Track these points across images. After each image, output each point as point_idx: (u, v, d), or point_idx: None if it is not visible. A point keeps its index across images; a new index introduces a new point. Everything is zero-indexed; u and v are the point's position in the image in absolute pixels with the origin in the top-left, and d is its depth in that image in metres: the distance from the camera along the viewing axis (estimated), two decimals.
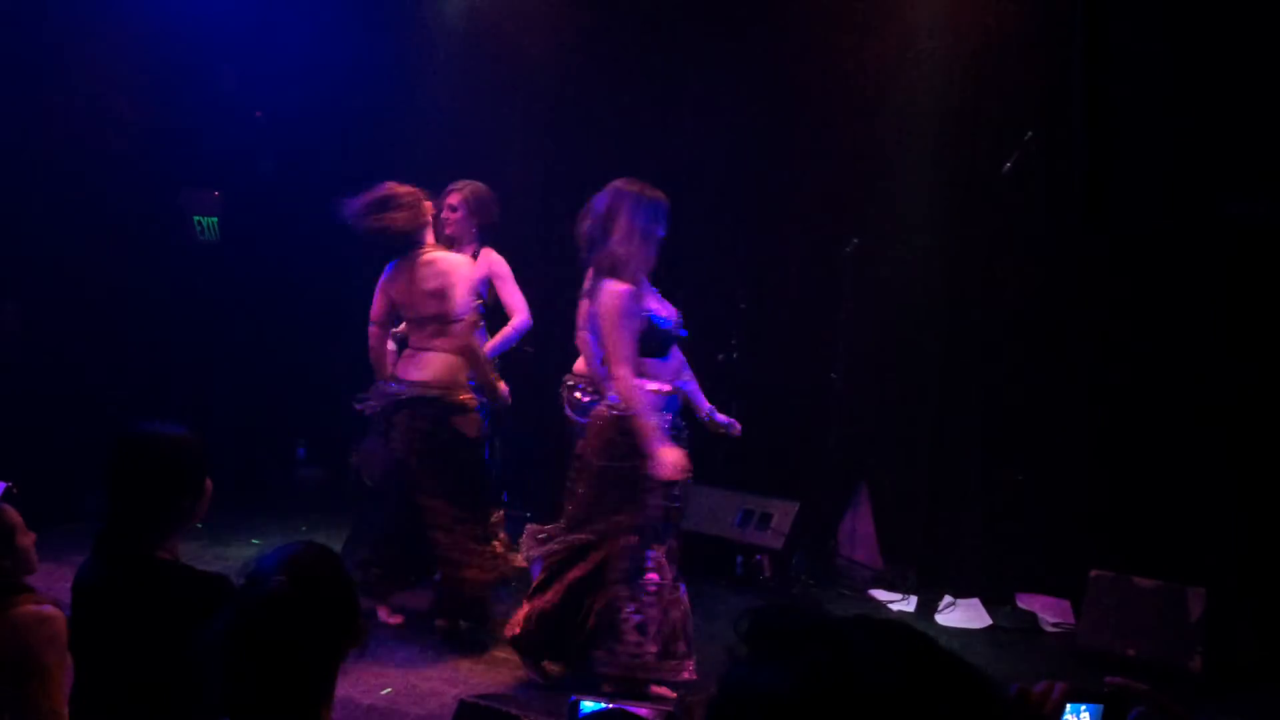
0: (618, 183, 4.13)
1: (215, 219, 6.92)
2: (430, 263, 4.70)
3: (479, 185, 5.19)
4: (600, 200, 4.10)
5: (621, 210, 4.03)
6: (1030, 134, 5.20)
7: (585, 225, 4.11)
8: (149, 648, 2.28)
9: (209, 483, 2.47)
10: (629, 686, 3.97)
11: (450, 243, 5.05)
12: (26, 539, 2.50)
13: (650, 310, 4.08)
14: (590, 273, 4.14)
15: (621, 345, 3.94)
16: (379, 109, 7.29)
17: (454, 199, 5.14)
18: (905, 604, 5.63)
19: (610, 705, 1.95)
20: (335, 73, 7.03)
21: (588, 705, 2.41)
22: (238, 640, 1.72)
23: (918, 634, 0.88)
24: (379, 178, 7.35)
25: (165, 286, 6.64)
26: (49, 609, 2.38)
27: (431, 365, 4.70)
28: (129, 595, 2.34)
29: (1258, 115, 4.84)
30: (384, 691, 4.15)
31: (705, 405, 4.47)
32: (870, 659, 0.84)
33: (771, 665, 0.85)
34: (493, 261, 5.15)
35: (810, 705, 0.82)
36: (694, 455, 6.54)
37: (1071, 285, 5.63)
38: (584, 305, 4.23)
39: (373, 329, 4.90)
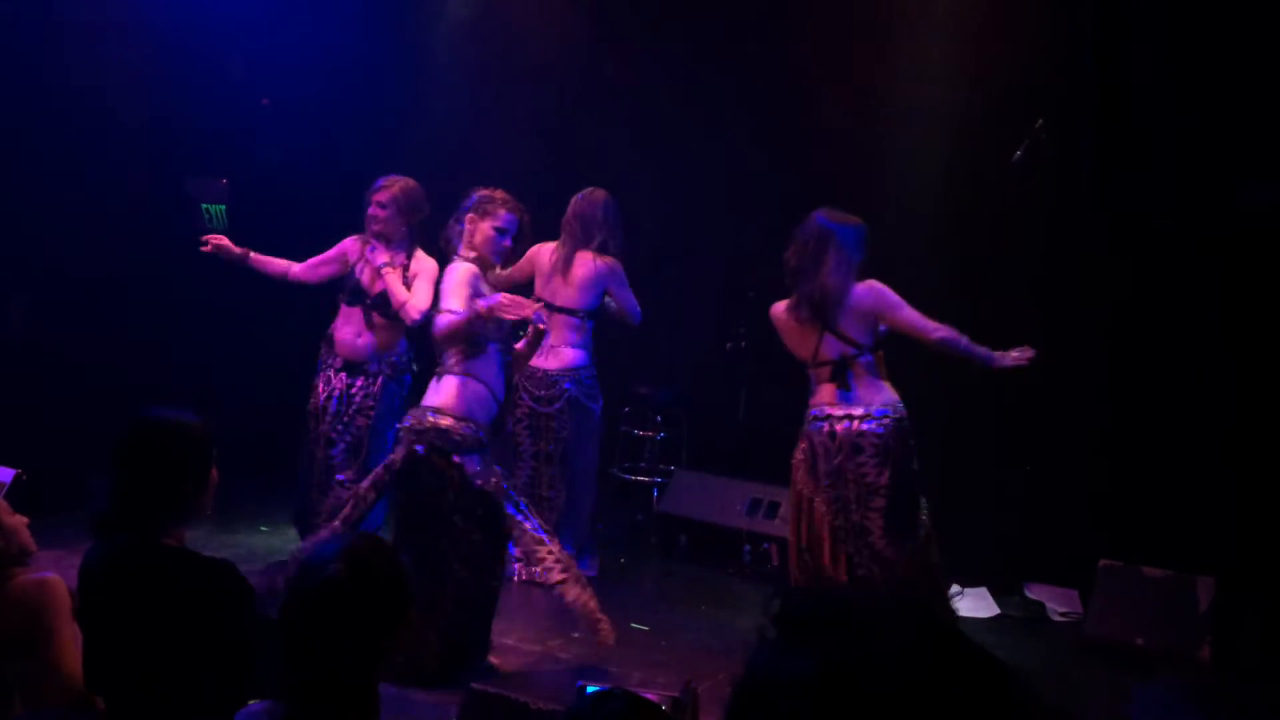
0: (821, 215, 4.33)
1: (223, 207, 6.90)
2: None
3: (409, 182, 5.07)
4: (808, 233, 4.29)
5: (830, 245, 4.24)
6: (1040, 121, 5.17)
7: (794, 258, 4.29)
8: (155, 633, 2.29)
9: (215, 472, 2.47)
10: None
11: (385, 241, 5.00)
12: (14, 519, 2.50)
13: None
14: (794, 300, 4.32)
15: None
16: (386, 98, 7.29)
17: (382, 196, 5.03)
18: None
19: (614, 688, 1.97)
20: (343, 61, 7.03)
21: (594, 688, 2.43)
22: (293, 625, 1.79)
23: (947, 625, 0.88)
24: (385, 167, 7.38)
25: (172, 273, 6.63)
26: (49, 575, 2.38)
27: None
28: (135, 581, 2.35)
29: (1272, 105, 4.82)
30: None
31: None
32: (896, 648, 0.84)
33: (798, 649, 0.85)
34: (421, 262, 4.99)
35: (833, 690, 0.82)
36: (701, 445, 6.55)
37: (1081, 274, 5.61)
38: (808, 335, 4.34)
39: None
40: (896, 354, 6.08)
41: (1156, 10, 5.16)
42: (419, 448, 4.00)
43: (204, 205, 6.87)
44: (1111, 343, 5.56)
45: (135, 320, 6.51)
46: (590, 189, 5.50)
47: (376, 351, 5.07)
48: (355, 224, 7.76)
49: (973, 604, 5.43)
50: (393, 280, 4.90)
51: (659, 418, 6.45)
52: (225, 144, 6.88)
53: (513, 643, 4.60)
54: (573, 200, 5.48)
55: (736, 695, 0.88)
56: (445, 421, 3.98)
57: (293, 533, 5.96)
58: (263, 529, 6.04)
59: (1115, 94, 5.08)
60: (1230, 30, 4.92)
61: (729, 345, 6.32)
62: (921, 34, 5.99)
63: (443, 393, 4.05)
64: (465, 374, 4.05)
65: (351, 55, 7.04)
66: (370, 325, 5.05)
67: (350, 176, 7.35)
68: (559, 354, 5.35)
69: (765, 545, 5.78)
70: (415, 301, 4.84)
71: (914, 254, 6.03)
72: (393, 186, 5.02)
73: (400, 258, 4.97)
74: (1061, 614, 5.39)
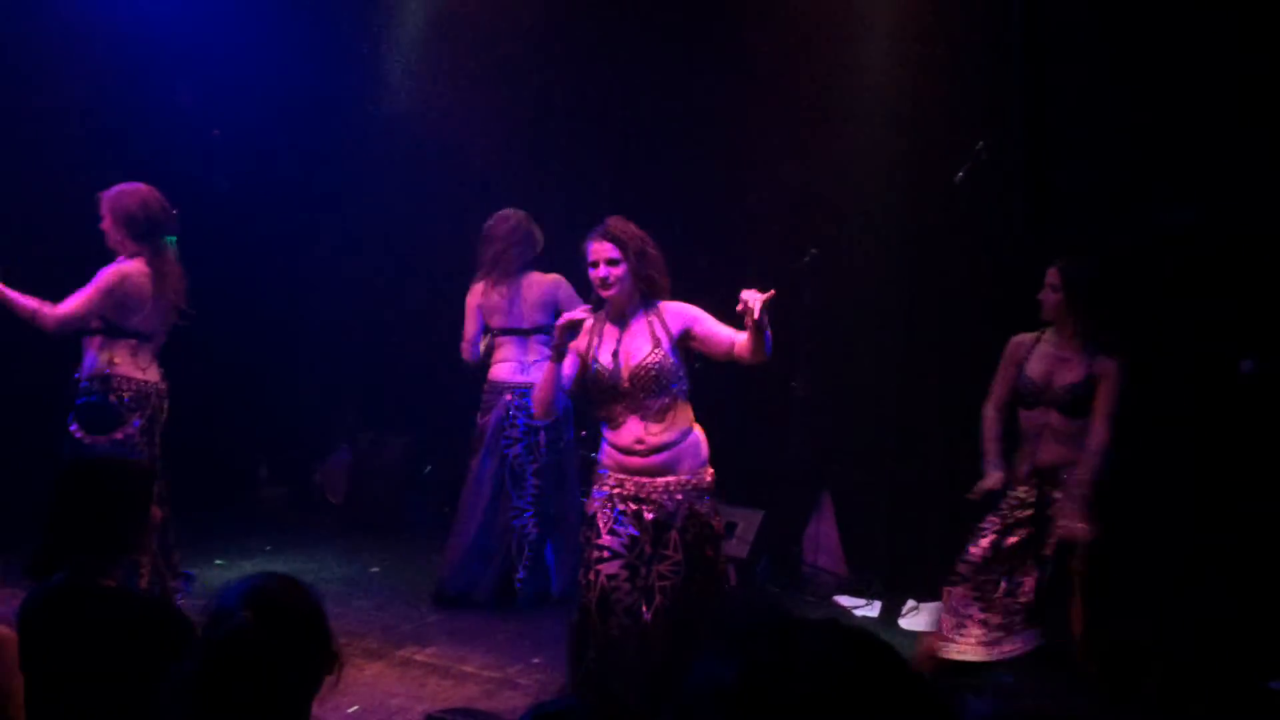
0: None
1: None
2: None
3: (124, 188, 4.71)
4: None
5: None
6: (981, 144, 5.30)
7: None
8: (94, 676, 2.26)
9: (156, 511, 2.46)
10: None
11: (120, 253, 4.68)
12: None
13: None
14: None
15: None
16: (338, 126, 7.30)
17: (100, 209, 4.68)
18: (869, 609, 5.69)
19: (569, 704, 1.94)
20: (293, 90, 7.03)
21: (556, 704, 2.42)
22: (205, 682, 1.67)
23: (869, 639, 0.92)
24: (338, 193, 7.39)
25: None
26: (2, 630, 2.35)
27: None
28: (74, 622, 2.33)
29: (1188, 127, 5.00)
30: (351, 709, 4.14)
31: None
32: (813, 657, 0.88)
33: (723, 659, 0.90)
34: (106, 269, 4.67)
35: (752, 698, 0.86)
36: None
37: (1026, 292, 5.72)
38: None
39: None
40: (856, 370, 6.19)
41: (1081, 41, 5.32)
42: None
43: None
44: None
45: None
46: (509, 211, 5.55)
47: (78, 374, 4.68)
48: (307, 249, 7.75)
49: (928, 618, 5.49)
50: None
51: None
52: (175, 174, 6.85)
53: (472, 669, 4.60)
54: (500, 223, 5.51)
55: (669, 707, 0.92)
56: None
57: (249, 566, 5.92)
58: (218, 563, 5.99)
59: (1042, 122, 5.23)
60: (1149, 61, 5.10)
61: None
62: (868, 55, 6.10)
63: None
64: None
65: (305, 79, 7.04)
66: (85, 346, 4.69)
67: (305, 200, 7.39)
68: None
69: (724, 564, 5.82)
70: (53, 309, 4.51)
71: (862, 274, 6.13)
72: (105, 195, 4.68)
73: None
74: None
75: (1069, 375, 4.31)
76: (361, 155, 7.28)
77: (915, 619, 5.52)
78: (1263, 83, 4.87)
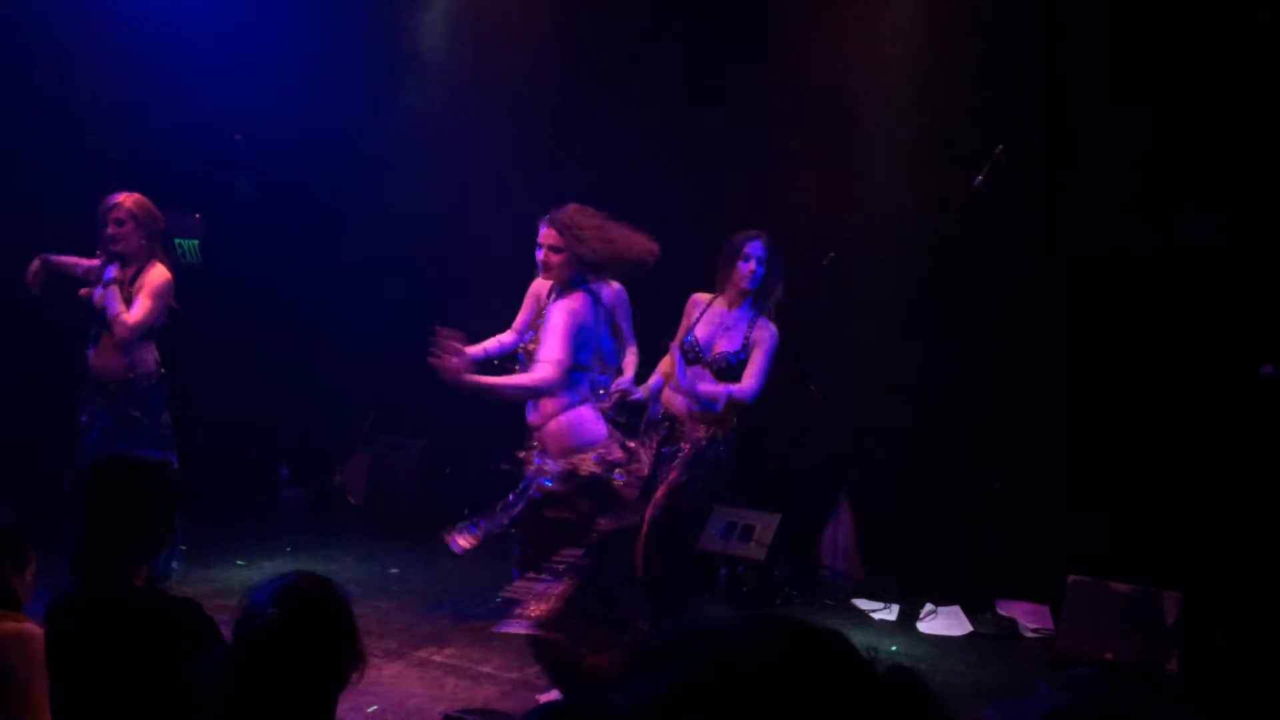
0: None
1: (196, 242, 6.94)
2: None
3: (141, 197, 4.92)
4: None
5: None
6: (1000, 148, 5.30)
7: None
8: (124, 674, 2.29)
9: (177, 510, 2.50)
10: None
11: (123, 260, 4.84)
12: (31, 572, 2.51)
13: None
14: None
15: None
16: (359, 129, 7.35)
17: (120, 214, 4.83)
18: (888, 613, 5.68)
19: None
20: (314, 93, 7.08)
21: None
22: (235, 677, 1.73)
23: (789, 618, 0.94)
24: (359, 198, 7.45)
25: None
26: (29, 627, 2.38)
27: None
28: (103, 622, 2.35)
29: (1208, 134, 5.00)
30: (370, 709, 4.17)
31: None
32: (748, 644, 0.89)
33: (664, 670, 0.90)
34: (149, 274, 4.87)
35: (704, 689, 0.87)
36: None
37: (1047, 295, 5.72)
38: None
39: None
40: (873, 373, 6.19)
41: (1100, 48, 5.32)
42: None
43: (177, 240, 6.92)
44: (1078, 361, 5.66)
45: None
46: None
47: (116, 373, 4.89)
48: (327, 253, 7.80)
49: (946, 622, 5.50)
50: (111, 297, 4.80)
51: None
52: (199, 178, 6.92)
53: (490, 670, 4.63)
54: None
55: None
56: None
57: (270, 566, 5.96)
58: (239, 563, 6.03)
59: (1059, 135, 5.23)
60: (1168, 68, 5.10)
61: None
62: (890, 60, 6.10)
63: None
64: None
65: (326, 83, 7.09)
66: (108, 345, 4.88)
67: (327, 204, 7.44)
68: None
69: (740, 569, 5.83)
70: (126, 316, 4.76)
71: (881, 278, 6.14)
72: (127, 202, 4.86)
73: (130, 273, 4.85)
74: (1033, 630, 5.45)
75: (727, 344, 4.53)
76: (382, 160, 7.33)
77: (933, 622, 5.52)
78: None
